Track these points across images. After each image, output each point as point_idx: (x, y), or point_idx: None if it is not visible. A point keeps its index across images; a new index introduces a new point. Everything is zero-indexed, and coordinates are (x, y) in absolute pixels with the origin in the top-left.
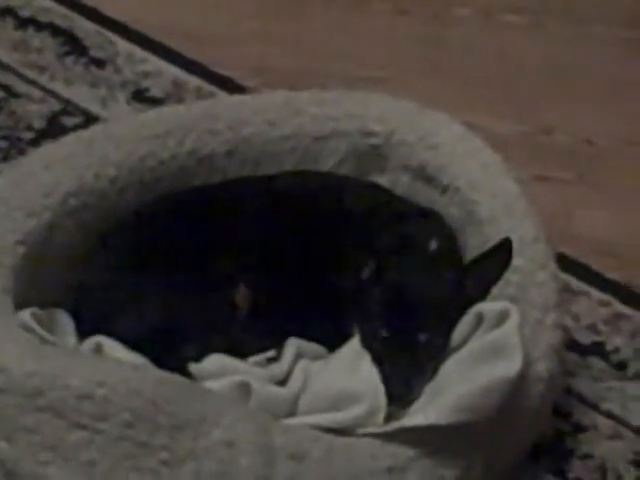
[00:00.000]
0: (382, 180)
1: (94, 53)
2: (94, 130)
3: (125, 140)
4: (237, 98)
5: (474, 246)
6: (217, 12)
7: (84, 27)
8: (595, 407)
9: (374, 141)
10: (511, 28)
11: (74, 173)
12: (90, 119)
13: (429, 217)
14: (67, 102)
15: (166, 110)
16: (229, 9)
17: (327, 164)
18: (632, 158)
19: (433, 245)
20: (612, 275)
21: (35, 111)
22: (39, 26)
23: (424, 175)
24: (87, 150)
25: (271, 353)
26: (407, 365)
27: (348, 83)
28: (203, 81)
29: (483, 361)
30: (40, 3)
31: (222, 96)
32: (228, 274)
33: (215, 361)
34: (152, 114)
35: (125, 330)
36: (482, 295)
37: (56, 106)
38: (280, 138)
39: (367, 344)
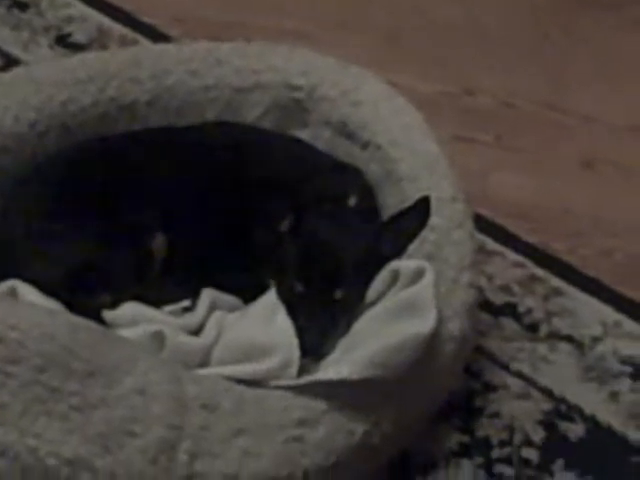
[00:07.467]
0: (304, 134)
1: None
2: (15, 73)
3: (46, 84)
4: (160, 47)
5: (393, 203)
6: None
7: None
8: (505, 367)
9: (297, 95)
10: None
11: None
12: (11, 62)
13: (349, 172)
14: None
15: (89, 56)
16: None
17: (249, 116)
18: (550, 122)
19: (352, 200)
20: (527, 237)
21: None
22: None
23: (345, 131)
24: (7, 93)
25: (186, 303)
26: (322, 319)
27: (272, 36)
28: (127, 28)
29: (397, 318)
30: None
31: (146, 44)
32: (145, 222)
33: (130, 309)
34: (75, 59)
35: (40, 275)
36: (398, 252)
37: None
38: (202, 88)
39: (283, 297)
